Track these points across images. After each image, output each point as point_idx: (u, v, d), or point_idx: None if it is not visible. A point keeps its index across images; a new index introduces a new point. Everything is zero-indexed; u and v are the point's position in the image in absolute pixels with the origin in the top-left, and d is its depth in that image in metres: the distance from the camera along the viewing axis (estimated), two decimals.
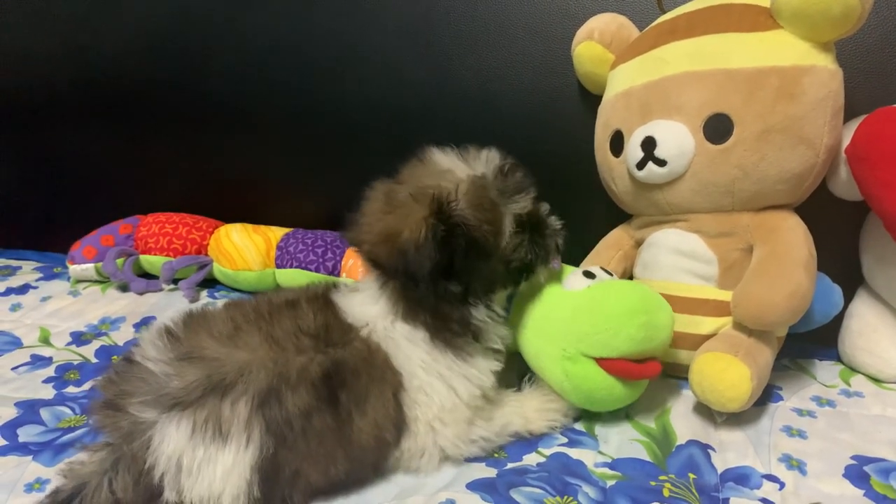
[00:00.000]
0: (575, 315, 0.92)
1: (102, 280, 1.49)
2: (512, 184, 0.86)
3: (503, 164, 0.87)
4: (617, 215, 1.22)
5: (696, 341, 1.01)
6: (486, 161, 0.87)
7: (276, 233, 1.46)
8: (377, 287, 0.87)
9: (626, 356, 0.89)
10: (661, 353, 0.94)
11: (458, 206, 0.81)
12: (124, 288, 1.47)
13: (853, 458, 0.88)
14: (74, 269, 1.49)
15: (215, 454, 0.74)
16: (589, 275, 0.97)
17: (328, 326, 0.84)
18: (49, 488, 0.79)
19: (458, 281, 0.83)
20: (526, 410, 0.94)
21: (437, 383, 0.85)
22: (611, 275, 0.99)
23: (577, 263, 1.22)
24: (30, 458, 0.91)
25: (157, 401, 0.75)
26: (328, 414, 0.79)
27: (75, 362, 1.20)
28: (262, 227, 1.48)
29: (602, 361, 0.89)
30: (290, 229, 1.47)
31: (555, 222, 0.93)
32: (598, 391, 0.91)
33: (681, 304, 1.04)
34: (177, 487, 0.74)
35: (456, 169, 0.85)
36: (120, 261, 1.45)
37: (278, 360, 0.78)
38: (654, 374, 0.92)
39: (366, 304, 0.87)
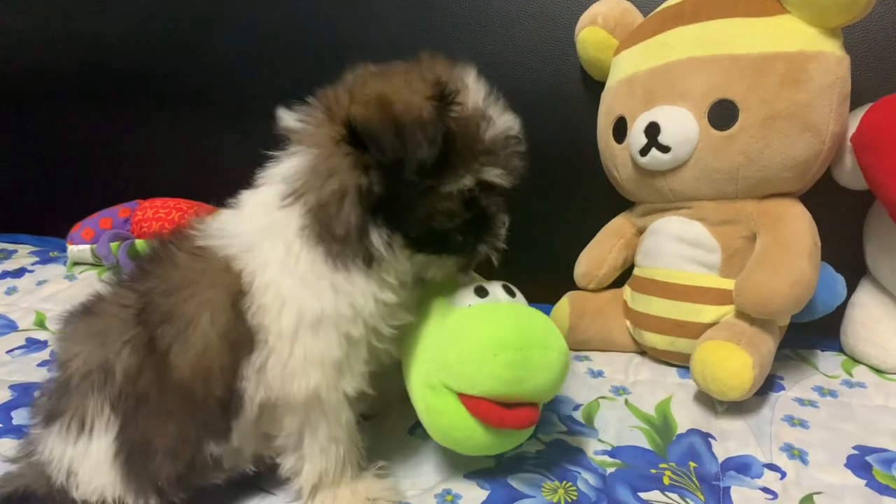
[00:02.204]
0: (443, 338, 0.79)
1: (99, 264, 1.48)
2: (504, 157, 0.75)
3: (515, 137, 0.77)
4: (619, 203, 1.21)
5: (699, 330, 1.00)
6: (504, 117, 0.76)
7: None
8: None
9: (489, 397, 0.74)
10: (539, 398, 0.78)
11: (459, 112, 0.71)
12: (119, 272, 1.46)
13: (855, 448, 0.87)
14: (72, 249, 1.49)
15: (85, 448, 0.72)
16: (481, 292, 0.81)
17: (147, 273, 0.77)
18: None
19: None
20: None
21: (297, 286, 0.71)
22: (512, 296, 0.82)
23: (578, 251, 1.22)
24: None
25: (44, 415, 0.75)
26: (149, 363, 0.71)
27: None
28: None
29: (464, 398, 0.76)
30: None
31: (502, 230, 0.80)
32: (455, 431, 0.78)
33: (683, 293, 1.03)
34: (74, 490, 0.73)
35: (476, 92, 0.75)
36: (115, 244, 1.44)
37: (109, 331, 0.74)
38: (522, 425, 0.77)
39: (240, 217, 0.77)
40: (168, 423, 0.72)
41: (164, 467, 0.72)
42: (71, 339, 0.76)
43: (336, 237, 0.71)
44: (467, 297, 0.80)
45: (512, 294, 0.82)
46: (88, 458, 0.72)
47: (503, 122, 0.76)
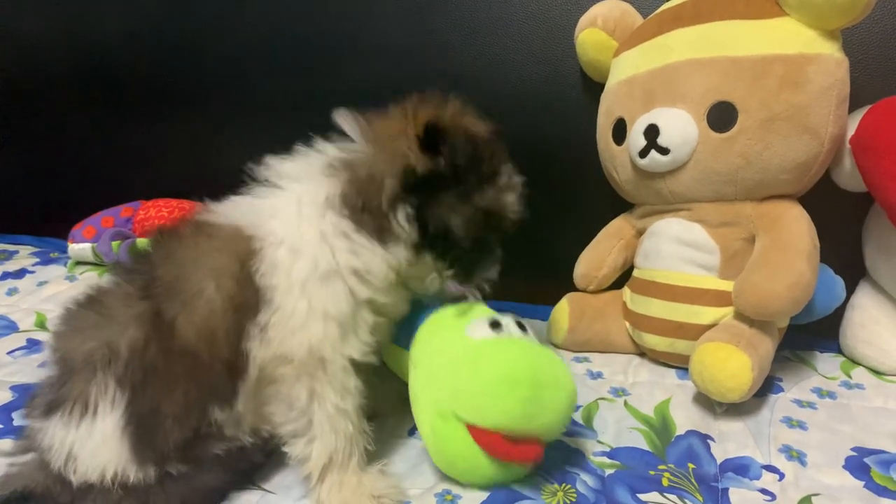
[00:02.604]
0: (457, 368, 0.80)
1: (99, 263, 1.48)
2: (517, 195, 0.87)
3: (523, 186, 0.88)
4: (618, 204, 1.22)
5: (697, 331, 1.00)
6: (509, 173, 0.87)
7: None
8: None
9: (499, 430, 0.76)
10: (545, 436, 0.79)
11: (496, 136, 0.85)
12: None
13: (853, 449, 0.87)
14: (73, 247, 1.49)
15: (89, 430, 0.73)
16: (495, 325, 0.83)
17: (149, 256, 0.81)
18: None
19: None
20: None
21: (316, 239, 0.77)
22: (524, 331, 0.84)
23: (577, 253, 1.22)
24: None
25: (44, 408, 0.76)
26: (155, 335, 0.74)
27: None
28: None
29: (472, 429, 0.77)
30: None
31: (496, 262, 0.89)
32: (460, 460, 0.79)
33: (682, 294, 1.03)
34: (72, 474, 0.73)
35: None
36: (116, 243, 1.44)
37: (112, 314, 0.76)
38: (528, 460, 0.78)
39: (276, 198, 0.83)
40: (175, 390, 0.74)
41: (172, 434, 0.74)
42: (70, 332, 0.78)
43: (367, 207, 0.79)
44: (482, 330, 0.82)
45: (524, 330, 0.84)
46: (92, 438, 0.73)
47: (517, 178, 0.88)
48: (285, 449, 0.80)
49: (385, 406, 0.95)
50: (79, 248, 1.48)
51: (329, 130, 1.45)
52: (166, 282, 0.76)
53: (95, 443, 0.73)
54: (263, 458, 0.85)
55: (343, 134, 0.85)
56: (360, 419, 0.81)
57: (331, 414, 0.78)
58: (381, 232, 0.79)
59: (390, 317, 0.86)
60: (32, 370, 1.11)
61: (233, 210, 0.82)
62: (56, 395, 0.75)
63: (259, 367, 0.76)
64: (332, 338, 0.76)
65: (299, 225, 0.78)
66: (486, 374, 0.78)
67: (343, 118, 0.86)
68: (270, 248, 0.76)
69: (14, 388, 1.05)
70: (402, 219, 0.79)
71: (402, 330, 0.91)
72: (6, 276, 1.47)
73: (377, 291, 0.80)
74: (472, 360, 0.80)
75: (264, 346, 0.75)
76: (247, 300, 0.75)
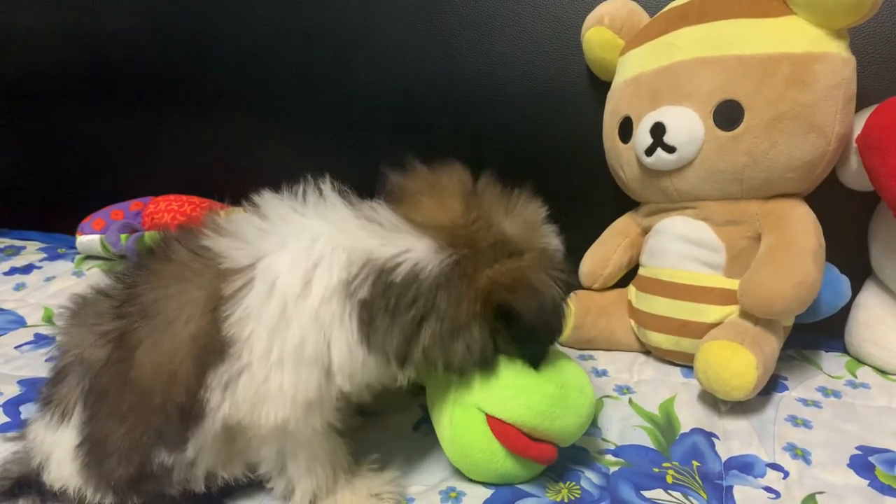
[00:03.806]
0: None
1: (107, 256, 1.48)
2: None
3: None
4: (624, 202, 1.22)
5: (702, 329, 1.00)
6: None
7: None
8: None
9: (519, 425, 0.76)
10: (560, 439, 0.79)
11: (558, 278, 0.73)
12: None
13: (858, 448, 0.87)
14: (81, 239, 1.49)
15: (59, 437, 0.73)
16: None
17: (141, 267, 0.75)
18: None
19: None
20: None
21: (307, 316, 0.67)
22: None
23: (583, 251, 1.22)
24: None
25: (40, 402, 0.77)
26: (115, 358, 0.70)
27: None
28: None
29: (492, 420, 0.77)
30: None
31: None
32: (475, 451, 0.78)
33: (687, 293, 1.03)
34: (47, 475, 0.74)
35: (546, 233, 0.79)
36: (124, 236, 1.44)
37: (94, 322, 0.74)
38: (543, 459, 0.78)
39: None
40: (122, 425, 0.69)
41: (117, 468, 0.70)
42: (67, 329, 0.77)
43: (394, 334, 0.69)
44: None
45: None
46: (60, 447, 0.72)
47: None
48: (268, 486, 0.76)
49: (390, 401, 0.95)
50: (87, 239, 1.48)
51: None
52: (144, 304, 0.70)
53: (61, 453, 0.72)
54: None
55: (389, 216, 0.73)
56: (336, 455, 0.77)
57: (306, 467, 0.74)
58: (398, 362, 0.71)
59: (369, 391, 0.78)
60: (40, 364, 1.11)
61: (237, 231, 0.73)
62: (48, 393, 0.75)
63: (223, 422, 0.69)
64: (297, 415, 0.69)
65: (302, 284, 0.67)
66: (516, 367, 0.77)
67: (391, 197, 0.77)
68: (257, 291, 0.67)
69: (21, 382, 1.05)
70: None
71: None
72: (14, 271, 1.48)
73: (356, 387, 0.72)
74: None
75: (232, 406, 0.68)
76: (211, 344, 0.67)
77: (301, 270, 0.67)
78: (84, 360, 0.72)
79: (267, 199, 0.75)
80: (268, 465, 0.74)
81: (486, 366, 0.76)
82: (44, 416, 0.75)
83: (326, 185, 0.75)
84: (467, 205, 0.74)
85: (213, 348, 0.67)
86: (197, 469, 0.72)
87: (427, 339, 0.70)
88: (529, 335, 0.74)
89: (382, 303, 0.68)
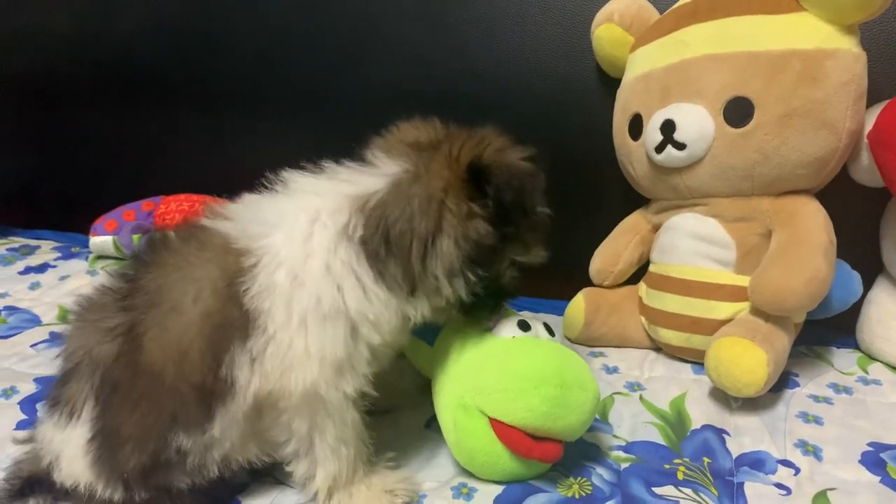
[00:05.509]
0: (484, 364, 0.81)
1: (120, 257, 1.50)
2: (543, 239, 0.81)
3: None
4: (634, 199, 1.22)
5: (713, 326, 1.00)
6: None
7: None
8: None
9: (522, 427, 0.77)
10: (565, 437, 0.80)
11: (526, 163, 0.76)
12: None
13: (869, 444, 0.87)
14: (94, 240, 1.51)
15: (70, 435, 0.73)
16: (524, 326, 0.84)
17: (141, 260, 0.77)
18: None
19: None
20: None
21: (321, 272, 0.70)
22: (552, 335, 0.86)
23: (593, 248, 1.22)
24: None
25: (49, 403, 0.77)
26: (126, 348, 0.71)
27: None
28: None
29: (495, 423, 0.78)
30: None
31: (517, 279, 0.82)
32: (480, 454, 0.79)
33: (698, 289, 1.03)
34: (58, 473, 0.74)
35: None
36: (137, 237, 1.46)
37: (101, 319, 0.74)
38: (548, 459, 0.79)
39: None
40: (135, 411, 0.70)
41: (130, 458, 0.71)
42: (73, 329, 0.78)
43: (398, 259, 0.72)
44: (510, 329, 0.84)
45: (552, 333, 0.86)
46: (70, 444, 0.73)
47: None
48: (288, 469, 0.78)
49: (402, 399, 0.96)
50: (100, 240, 1.50)
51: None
52: (149, 291, 0.72)
53: (71, 451, 0.73)
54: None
55: (367, 161, 0.80)
56: (360, 437, 0.79)
57: (332, 445, 0.75)
58: (408, 286, 0.73)
59: (390, 350, 0.80)
60: (55, 363, 1.12)
61: (235, 215, 0.76)
62: (57, 393, 0.76)
63: (254, 396, 0.71)
64: (327, 377, 0.71)
65: (305, 248, 0.71)
66: (515, 370, 0.79)
67: (371, 149, 0.81)
68: (266, 267, 0.70)
69: (38, 380, 1.07)
70: (458, 286, 0.74)
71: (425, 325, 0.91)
72: (29, 270, 1.50)
73: (382, 336, 0.74)
74: (500, 357, 0.81)
75: (261, 378, 0.70)
76: (231, 321, 0.69)
77: (300, 236, 0.71)
78: (92, 357, 0.73)
79: (255, 194, 0.79)
80: (296, 443, 0.76)
81: (482, 264, 0.75)
82: (52, 416, 0.75)
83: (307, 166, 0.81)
84: (437, 133, 0.80)
85: (233, 325, 0.69)
86: (215, 452, 0.73)
87: (418, 248, 0.72)
88: (503, 214, 0.73)
89: (377, 233, 0.71)
